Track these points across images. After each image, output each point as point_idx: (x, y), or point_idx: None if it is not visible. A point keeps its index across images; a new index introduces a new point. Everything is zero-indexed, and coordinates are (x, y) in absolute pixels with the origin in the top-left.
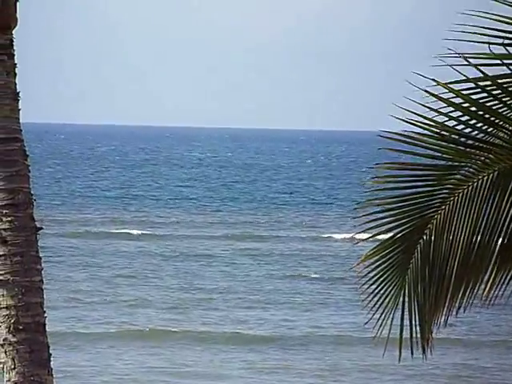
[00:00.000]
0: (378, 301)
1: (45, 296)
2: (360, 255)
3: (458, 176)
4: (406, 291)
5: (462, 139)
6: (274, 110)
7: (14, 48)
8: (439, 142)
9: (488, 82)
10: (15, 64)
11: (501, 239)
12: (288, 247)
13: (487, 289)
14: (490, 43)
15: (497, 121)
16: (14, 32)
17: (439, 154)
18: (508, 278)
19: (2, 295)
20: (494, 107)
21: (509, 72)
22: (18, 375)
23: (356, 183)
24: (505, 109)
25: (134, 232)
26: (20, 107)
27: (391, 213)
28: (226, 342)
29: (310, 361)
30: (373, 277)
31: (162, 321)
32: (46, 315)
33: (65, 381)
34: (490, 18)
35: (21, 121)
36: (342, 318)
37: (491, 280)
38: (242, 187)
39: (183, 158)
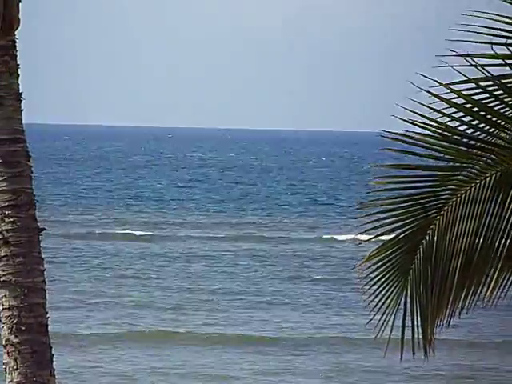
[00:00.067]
0: (380, 301)
1: (47, 297)
2: (363, 256)
3: (461, 177)
4: (409, 292)
5: (465, 140)
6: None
7: (17, 49)
8: (442, 142)
9: (489, 83)
10: (18, 65)
11: (504, 240)
12: (291, 248)
13: (490, 290)
14: (492, 43)
15: (499, 121)
16: (16, 33)
17: (442, 155)
18: (511, 279)
19: (5, 296)
20: (495, 108)
21: (511, 72)
22: (20, 376)
23: (358, 184)
24: (507, 109)
25: (137, 233)
26: (22, 108)
27: (394, 213)
28: (229, 343)
29: (313, 362)
30: (375, 277)
31: (165, 322)
32: (48, 316)
33: (67, 382)
34: (492, 19)
35: (23, 121)
36: (346, 318)
37: (494, 281)
38: (244, 188)
39: (186, 158)
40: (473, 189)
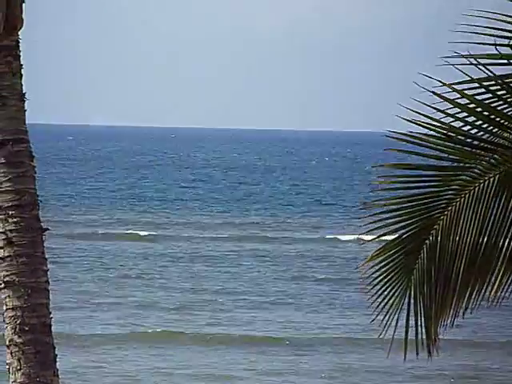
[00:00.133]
0: (383, 301)
1: (51, 297)
2: (366, 256)
3: (465, 177)
4: (412, 292)
5: (469, 140)
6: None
7: (20, 49)
8: (446, 142)
9: (492, 82)
10: (21, 65)
11: (508, 240)
12: (294, 248)
13: (494, 290)
14: (496, 44)
15: (502, 121)
16: (19, 33)
17: (446, 155)
18: None
19: (8, 296)
20: (499, 108)
21: None
22: (23, 376)
23: (361, 184)
24: (510, 109)
25: (141, 233)
26: (26, 108)
27: (397, 213)
28: (232, 344)
29: (317, 362)
30: (378, 277)
31: (169, 322)
32: (51, 316)
33: (71, 382)
34: (495, 18)
35: (26, 122)
36: (349, 319)
37: (498, 281)
38: (248, 188)
39: (189, 158)
40: (476, 189)
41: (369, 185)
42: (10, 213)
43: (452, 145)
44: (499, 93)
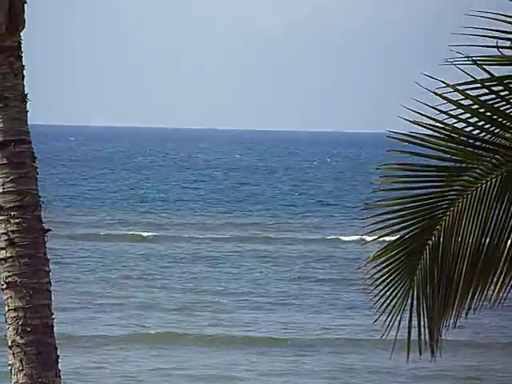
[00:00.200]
0: (385, 302)
1: (53, 298)
2: (368, 257)
3: (467, 177)
4: (415, 293)
5: (471, 141)
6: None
7: (22, 50)
8: (448, 143)
9: (495, 83)
10: (23, 66)
11: (510, 241)
12: (296, 249)
13: (496, 290)
14: (499, 47)
15: (504, 122)
16: (21, 34)
17: (449, 156)
18: None
19: (10, 297)
20: (501, 108)
21: None
22: (25, 377)
23: (363, 185)
24: None
25: (142, 234)
26: (28, 109)
27: (399, 214)
28: (234, 344)
29: (319, 363)
30: (380, 278)
31: (171, 323)
32: (53, 317)
33: (72, 383)
34: (497, 19)
35: (28, 122)
36: (351, 319)
37: (500, 282)
38: (249, 189)
39: (190, 159)
40: (479, 189)
41: (371, 184)
42: (12, 214)
43: (454, 145)
44: (502, 94)
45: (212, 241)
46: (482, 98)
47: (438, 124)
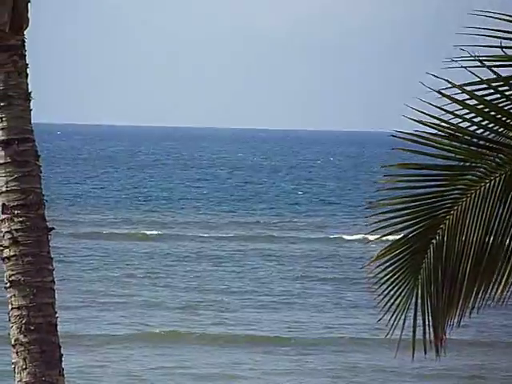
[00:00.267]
0: (390, 301)
1: (56, 296)
2: (371, 256)
3: (471, 176)
4: (419, 292)
5: (474, 140)
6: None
7: (26, 48)
8: (451, 142)
9: (501, 83)
10: (27, 64)
11: None
12: (299, 248)
13: (500, 289)
14: (502, 47)
15: (508, 121)
16: (25, 33)
17: (453, 155)
18: None
19: (14, 295)
20: (505, 108)
21: None
22: (29, 375)
23: (366, 183)
24: None
25: (146, 232)
26: (32, 107)
27: (403, 213)
28: (237, 343)
29: (323, 361)
30: (384, 277)
31: (174, 322)
32: (57, 315)
33: (76, 381)
34: (500, 18)
35: (32, 121)
36: (355, 318)
37: (504, 281)
38: (253, 188)
39: (193, 158)
40: (482, 188)
41: (374, 183)
42: (16, 212)
43: (458, 144)
44: (507, 93)
45: (216, 239)
46: (486, 97)
47: (442, 123)
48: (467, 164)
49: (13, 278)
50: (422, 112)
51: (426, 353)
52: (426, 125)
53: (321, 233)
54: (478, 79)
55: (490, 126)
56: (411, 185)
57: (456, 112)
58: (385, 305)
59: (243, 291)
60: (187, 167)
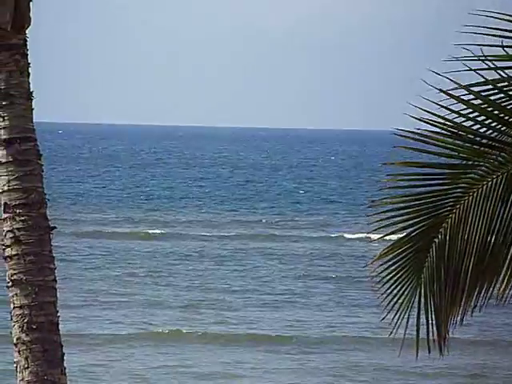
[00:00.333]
0: (393, 300)
1: (58, 295)
2: (373, 254)
3: (473, 175)
4: (422, 290)
5: (477, 138)
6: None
7: (28, 48)
8: (454, 140)
9: (506, 84)
10: (29, 63)
11: None
12: (301, 246)
13: (502, 288)
14: (504, 46)
15: (510, 120)
16: (27, 32)
17: (454, 153)
18: None
19: (16, 294)
20: (508, 107)
21: None
22: (31, 374)
23: (368, 182)
24: None
25: (148, 231)
26: (33, 106)
27: (405, 211)
28: (240, 342)
29: (325, 360)
30: (387, 275)
31: (176, 321)
32: (59, 314)
33: (78, 380)
34: (501, 18)
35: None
36: (357, 317)
37: (506, 279)
38: (254, 186)
39: (195, 157)
40: (484, 187)
41: (377, 182)
42: (18, 211)
43: (460, 143)
44: (511, 93)
45: (217, 238)
46: (490, 97)
47: (444, 121)
48: (470, 162)
49: (15, 276)
50: (425, 110)
51: (429, 352)
52: (428, 123)
53: (322, 231)
54: (481, 78)
55: (493, 124)
56: (413, 183)
57: (458, 110)
58: (388, 304)
59: (245, 290)
60: (189, 166)
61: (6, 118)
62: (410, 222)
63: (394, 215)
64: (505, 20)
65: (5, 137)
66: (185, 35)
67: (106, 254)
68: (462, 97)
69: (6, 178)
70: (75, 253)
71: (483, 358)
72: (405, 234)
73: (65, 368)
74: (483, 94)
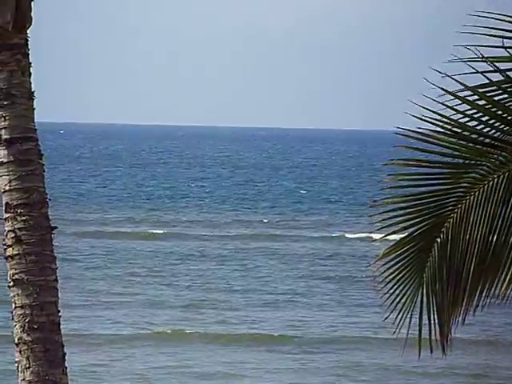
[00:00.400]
0: (395, 300)
1: (59, 295)
2: (375, 254)
3: (474, 175)
4: (424, 290)
5: (479, 138)
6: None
7: (29, 47)
8: (455, 140)
9: (509, 84)
10: (30, 63)
11: None
12: (302, 246)
13: (504, 288)
14: (505, 47)
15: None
16: (28, 31)
17: (456, 153)
18: None
19: (17, 294)
20: (511, 107)
21: None
22: (32, 374)
23: (369, 182)
24: None
25: (149, 231)
26: (35, 106)
27: (407, 211)
28: (241, 342)
29: (326, 360)
30: (390, 275)
31: (177, 321)
32: (60, 314)
33: (79, 380)
34: (501, 19)
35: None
36: (359, 317)
37: (508, 279)
38: (255, 186)
39: (196, 157)
40: (486, 187)
41: (379, 182)
42: (19, 211)
43: (462, 142)
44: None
45: (218, 238)
46: (494, 98)
47: (446, 120)
48: (471, 162)
49: (16, 276)
50: (426, 109)
51: (432, 351)
52: (430, 122)
53: (324, 231)
54: (481, 78)
55: (496, 124)
56: (415, 183)
57: (460, 109)
58: (390, 303)
59: (246, 290)
60: (190, 166)
61: (7, 117)
62: (412, 221)
63: (396, 215)
64: (505, 21)
65: (6, 137)
66: (185, 35)
67: (107, 253)
68: (459, 94)
69: (8, 177)
70: (76, 252)
71: (485, 358)
72: (407, 233)
73: (66, 368)
74: (488, 94)
